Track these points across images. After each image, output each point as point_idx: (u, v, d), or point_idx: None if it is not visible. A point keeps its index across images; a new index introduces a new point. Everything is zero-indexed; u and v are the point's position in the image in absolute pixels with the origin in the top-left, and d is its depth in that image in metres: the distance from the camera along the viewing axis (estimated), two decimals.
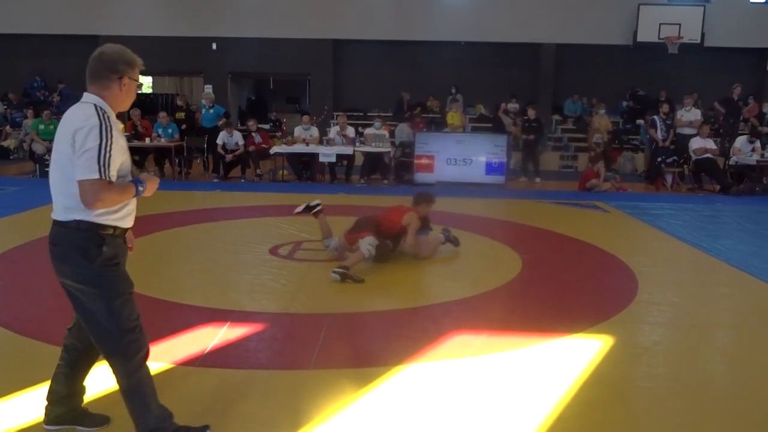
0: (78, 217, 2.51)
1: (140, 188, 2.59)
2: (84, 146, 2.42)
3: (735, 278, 5.82)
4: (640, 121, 14.86)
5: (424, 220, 6.15)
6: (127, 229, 2.66)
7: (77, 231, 2.52)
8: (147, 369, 2.69)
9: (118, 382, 2.65)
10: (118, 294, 2.57)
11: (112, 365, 2.62)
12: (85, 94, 2.62)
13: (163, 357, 3.72)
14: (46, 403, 2.87)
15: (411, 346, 3.95)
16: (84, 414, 2.93)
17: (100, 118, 2.48)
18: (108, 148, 2.44)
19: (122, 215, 2.60)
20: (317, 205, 6.18)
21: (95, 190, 2.42)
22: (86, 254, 2.52)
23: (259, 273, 5.64)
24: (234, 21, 16.76)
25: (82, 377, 2.89)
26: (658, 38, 15.88)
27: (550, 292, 5.27)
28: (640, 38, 16.02)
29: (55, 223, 2.58)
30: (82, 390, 2.92)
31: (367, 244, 5.61)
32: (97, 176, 2.41)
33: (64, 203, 2.53)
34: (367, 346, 4.04)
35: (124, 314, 2.58)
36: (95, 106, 2.53)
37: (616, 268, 6.05)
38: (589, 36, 16.36)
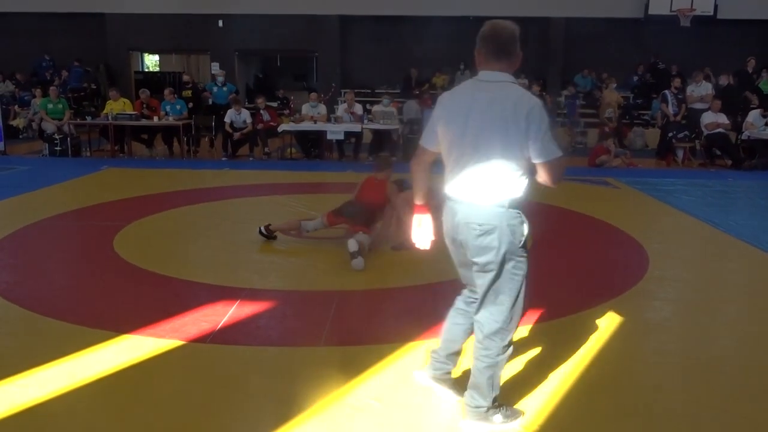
0: (509, 197, 2.52)
1: None
2: (541, 127, 2.46)
3: (747, 254, 5.78)
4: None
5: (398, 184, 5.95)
6: None
7: (507, 210, 2.53)
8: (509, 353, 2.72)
9: (482, 357, 2.67)
10: (526, 276, 2.63)
11: (489, 340, 2.64)
12: (494, 73, 2.58)
13: (174, 334, 3.74)
14: (433, 354, 2.99)
15: (421, 323, 3.96)
16: (452, 380, 3.02)
17: (536, 97, 2.54)
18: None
19: (530, 192, 2.61)
20: (265, 229, 5.91)
21: (562, 167, 2.52)
22: (514, 233, 2.55)
23: (268, 251, 5.66)
24: None
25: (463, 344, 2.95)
26: (670, 11, 15.61)
27: (560, 268, 5.25)
28: (651, 11, 15.74)
29: (478, 203, 2.55)
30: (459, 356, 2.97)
31: (366, 240, 5.41)
32: (560, 153, 2.49)
33: (499, 184, 2.52)
34: (377, 323, 4.05)
35: (524, 297, 2.65)
36: (517, 84, 2.56)
37: (626, 244, 6.02)
38: (599, 9, 16.09)
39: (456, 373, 3.08)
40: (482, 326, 2.66)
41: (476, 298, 2.71)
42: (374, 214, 5.75)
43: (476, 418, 2.77)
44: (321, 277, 4.98)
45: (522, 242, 2.58)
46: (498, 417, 2.77)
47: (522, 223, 2.58)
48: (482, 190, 2.55)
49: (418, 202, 2.82)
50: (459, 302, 2.96)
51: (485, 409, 2.74)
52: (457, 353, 2.99)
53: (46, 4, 16.85)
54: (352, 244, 5.13)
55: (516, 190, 2.54)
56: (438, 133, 2.67)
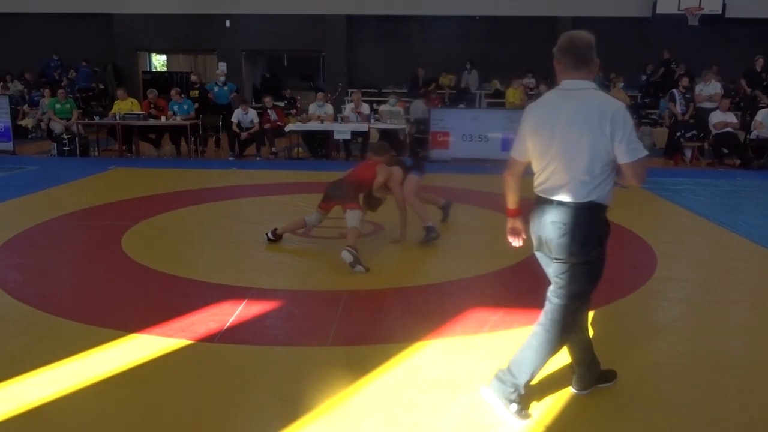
0: (593, 198, 2.69)
1: None
2: (626, 129, 2.62)
3: (755, 254, 5.75)
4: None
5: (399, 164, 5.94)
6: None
7: (590, 211, 2.70)
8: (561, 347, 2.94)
9: (539, 336, 2.86)
10: (601, 268, 2.83)
11: (554, 324, 2.83)
12: (575, 81, 2.74)
13: (182, 333, 3.76)
14: (574, 372, 3.11)
15: (428, 322, 3.96)
16: (603, 372, 3.14)
17: (619, 102, 2.71)
18: None
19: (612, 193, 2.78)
20: (272, 234, 5.86)
21: (646, 166, 2.70)
22: (598, 233, 2.75)
23: (275, 250, 5.66)
24: None
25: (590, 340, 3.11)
26: (678, 10, 15.54)
27: None
28: (659, 10, 15.67)
29: (564, 204, 2.71)
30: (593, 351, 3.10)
31: (356, 220, 5.43)
32: (646, 153, 2.67)
33: (585, 186, 2.68)
34: (384, 323, 4.06)
35: (593, 287, 2.86)
36: (599, 90, 2.75)
37: (634, 244, 6.00)
38: (606, 8, 16.04)
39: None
40: (553, 311, 2.84)
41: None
42: (361, 189, 5.71)
43: (499, 393, 2.86)
44: (328, 277, 4.98)
45: (603, 241, 2.77)
46: (514, 407, 2.83)
47: (605, 224, 2.77)
48: (569, 191, 2.71)
49: (511, 207, 3.06)
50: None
51: (513, 390, 2.84)
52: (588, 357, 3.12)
53: (54, 4, 16.93)
54: (346, 256, 5.09)
55: (601, 192, 2.70)
56: (528, 144, 2.85)
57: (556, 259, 2.79)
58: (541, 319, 2.90)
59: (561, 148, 2.70)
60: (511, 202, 3.05)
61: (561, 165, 2.71)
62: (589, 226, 2.71)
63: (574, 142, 2.66)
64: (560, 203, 2.72)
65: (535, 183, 2.84)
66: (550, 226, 2.75)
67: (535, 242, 2.92)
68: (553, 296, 2.86)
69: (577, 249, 2.71)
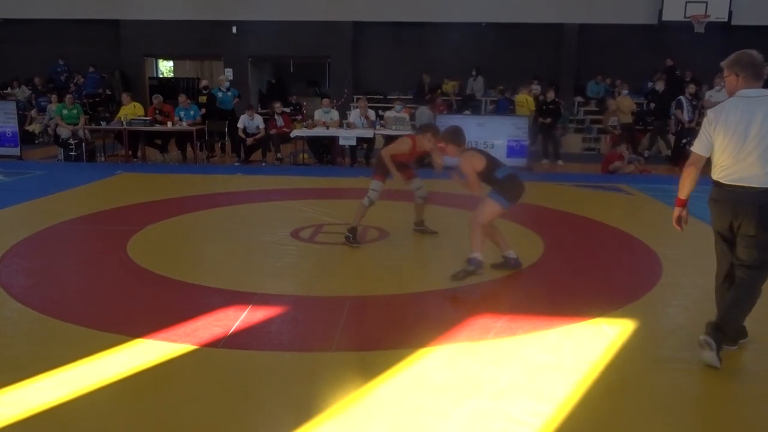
0: None
1: None
2: None
3: None
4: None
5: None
6: None
7: None
8: None
9: (745, 294, 3.45)
10: None
11: (752, 282, 3.43)
12: (757, 89, 3.35)
13: (186, 338, 3.76)
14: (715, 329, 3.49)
15: (432, 328, 3.95)
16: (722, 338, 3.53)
17: None
18: None
19: None
20: (352, 234, 5.92)
21: None
22: None
23: (280, 256, 5.67)
24: (254, 4, 16.72)
25: None
26: (684, 17, 15.53)
27: (572, 275, 5.23)
28: (665, 17, 15.66)
29: (765, 189, 3.26)
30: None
31: (370, 189, 5.95)
32: None
33: None
34: (389, 328, 4.05)
35: None
36: None
37: (639, 251, 5.98)
38: (612, 15, 16.04)
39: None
40: (749, 289, 3.43)
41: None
42: (383, 162, 6.05)
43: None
44: (333, 282, 4.98)
45: None
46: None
47: None
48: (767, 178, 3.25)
49: (683, 197, 3.64)
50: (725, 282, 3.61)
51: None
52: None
53: (62, 11, 17.05)
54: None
55: None
56: (716, 142, 3.38)
57: (754, 236, 3.30)
58: (735, 296, 3.45)
59: (759, 143, 3.23)
60: (685, 193, 3.59)
61: (758, 157, 3.24)
62: None
63: None
64: (763, 189, 3.25)
65: (723, 173, 3.38)
66: (755, 208, 3.27)
67: (722, 224, 3.46)
68: (748, 278, 3.40)
69: None
